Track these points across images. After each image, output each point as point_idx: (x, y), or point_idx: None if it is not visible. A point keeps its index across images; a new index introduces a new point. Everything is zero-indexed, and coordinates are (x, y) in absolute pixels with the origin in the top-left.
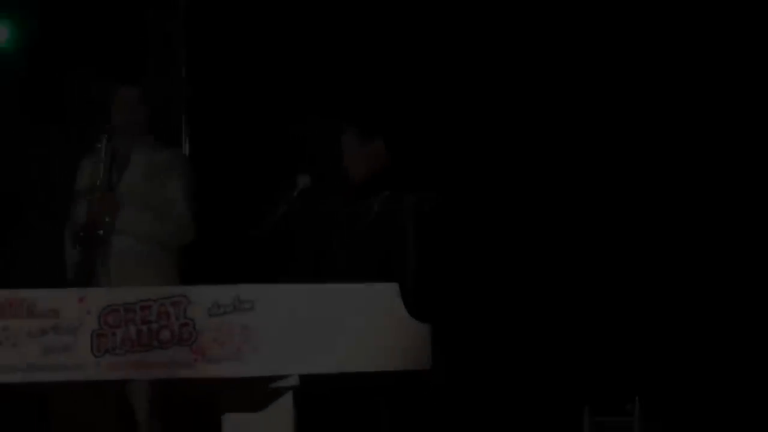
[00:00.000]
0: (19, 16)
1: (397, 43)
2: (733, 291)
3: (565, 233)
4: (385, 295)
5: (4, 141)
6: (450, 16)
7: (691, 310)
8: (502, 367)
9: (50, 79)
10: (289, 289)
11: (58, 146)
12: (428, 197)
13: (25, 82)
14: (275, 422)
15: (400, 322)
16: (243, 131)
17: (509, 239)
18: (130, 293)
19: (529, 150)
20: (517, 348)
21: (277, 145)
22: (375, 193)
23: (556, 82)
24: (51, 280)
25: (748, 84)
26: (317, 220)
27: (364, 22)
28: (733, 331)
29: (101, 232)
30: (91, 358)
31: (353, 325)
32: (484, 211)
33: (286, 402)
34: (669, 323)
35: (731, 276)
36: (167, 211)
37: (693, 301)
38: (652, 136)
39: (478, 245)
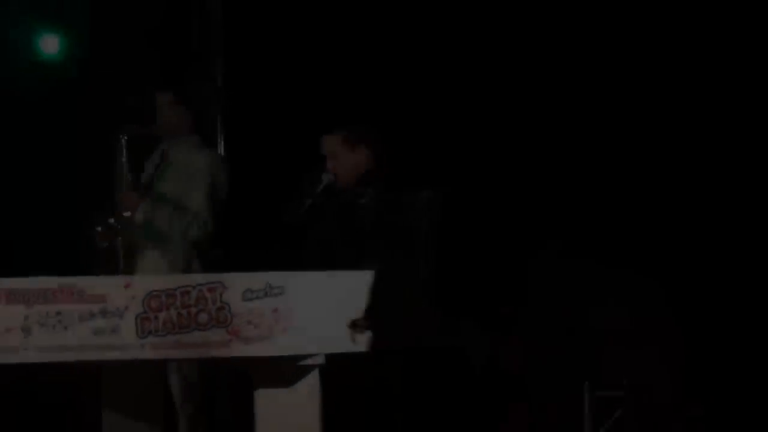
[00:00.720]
0: (68, 28)
1: (409, 58)
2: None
3: (555, 220)
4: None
5: (53, 145)
6: (449, 20)
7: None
8: (508, 345)
9: (98, 86)
10: (315, 275)
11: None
12: (438, 194)
13: (75, 90)
14: (303, 397)
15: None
16: (273, 133)
17: (502, 226)
18: (171, 280)
19: (515, 149)
20: (522, 326)
21: (304, 145)
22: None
23: (552, 82)
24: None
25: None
26: (338, 211)
27: (377, 34)
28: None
29: (119, 226)
30: (135, 339)
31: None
32: (478, 204)
33: (313, 378)
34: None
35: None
36: (188, 207)
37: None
38: (656, 129)
39: (480, 230)
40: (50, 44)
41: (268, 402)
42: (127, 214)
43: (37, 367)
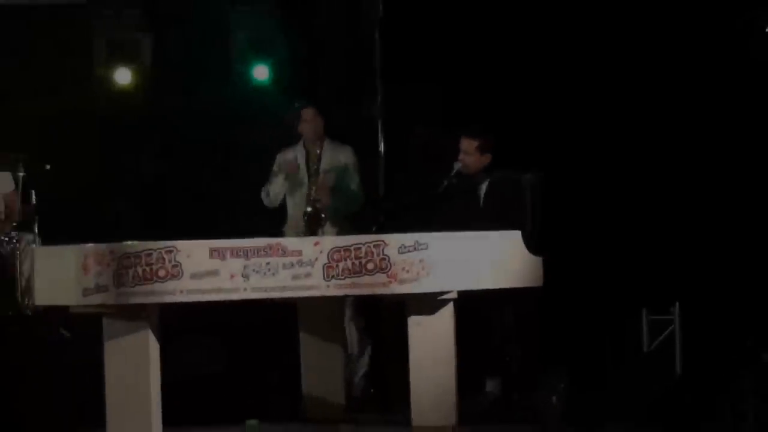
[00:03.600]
0: (275, 58)
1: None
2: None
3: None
4: (513, 239)
5: (258, 148)
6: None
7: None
8: (587, 283)
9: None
10: (449, 235)
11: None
12: (538, 176)
13: (279, 112)
14: (442, 322)
15: (521, 256)
16: (420, 132)
17: (589, 197)
18: (347, 239)
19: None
20: (598, 270)
21: (441, 141)
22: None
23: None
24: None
25: None
26: (464, 190)
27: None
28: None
29: (323, 214)
30: (322, 282)
31: (492, 258)
32: (571, 184)
33: (449, 309)
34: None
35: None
36: (344, 190)
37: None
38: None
39: (569, 203)
40: (261, 72)
41: (417, 325)
42: (321, 199)
43: (252, 302)
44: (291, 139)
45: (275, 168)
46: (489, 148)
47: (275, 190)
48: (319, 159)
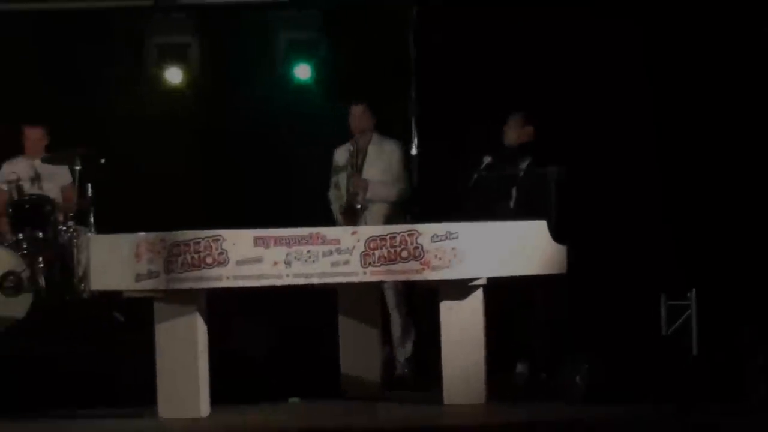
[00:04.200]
0: (317, 57)
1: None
2: None
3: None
4: (540, 228)
5: (303, 145)
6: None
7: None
8: (609, 270)
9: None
10: (479, 225)
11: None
12: (562, 170)
13: (321, 109)
14: (472, 306)
15: (547, 244)
16: (449, 129)
17: (611, 189)
18: (383, 229)
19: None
20: (619, 258)
21: (472, 135)
22: (521, 159)
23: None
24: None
25: None
26: (494, 181)
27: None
28: None
29: (359, 206)
30: (359, 268)
31: (520, 246)
32: (594, 177)
33: (479, 294)
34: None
35: None
36: (392, 181)
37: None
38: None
39: (592, 195)
40: (303, 72)
41: (449, 309)
42: (359, 192)
43: (294, 288)
44: (345, 134)
45: (333, 167)
46: (530, 122)
47: (335, 195)
48: (365, 153)
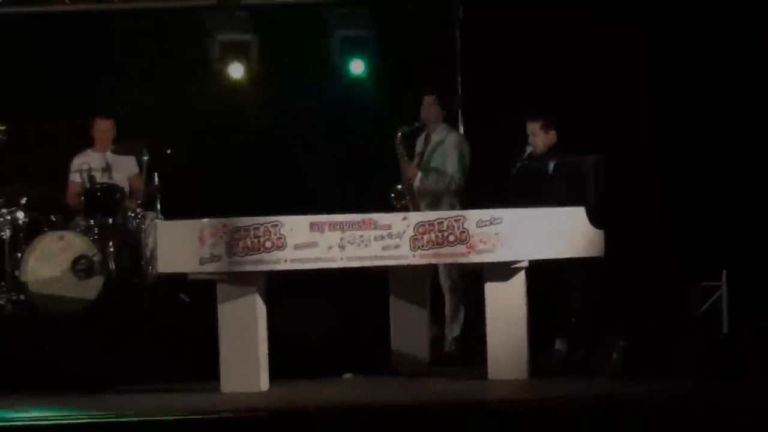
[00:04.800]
0: (369, 53)
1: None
2: None
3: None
4: (578, 214)
5: (353, 134)
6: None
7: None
8: (644, 253)
9: (388, 95)
10: (521, 211)
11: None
12: (599, 158)
13: (372, 101)
14: (515, 287)
15: (585, 229)
16: (495, 119)
17: (646, 176)
18: (431, 215)
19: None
20: (654, 242)
21: (514, 126)
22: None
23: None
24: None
25: None
26: (535, 170)
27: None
28: None
29: (408, 191)
30: (409, 252)
31: (559, 231)
32: (630, 164)
33: (521, 276)
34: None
35: None
36: (446, 171)
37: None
38: None
39: (628, 182)
40: (357, 66)
41: (493, 290)
42: (408, 181)
43: (348, 270)
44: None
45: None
46: (552, 126)
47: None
48: (429, 141)
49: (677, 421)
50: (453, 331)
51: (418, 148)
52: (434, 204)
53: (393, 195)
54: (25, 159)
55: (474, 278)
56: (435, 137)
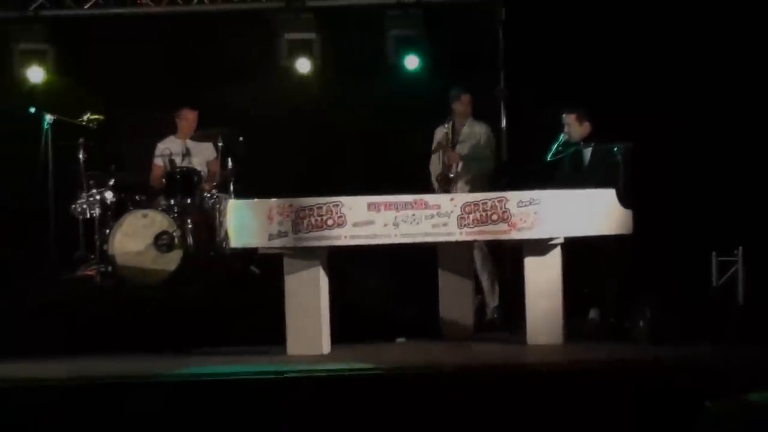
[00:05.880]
0: (422, 49)
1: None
2: None
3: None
4: (610, 195)
5: (403, 124)
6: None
7: None
8: (668, 231)
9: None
10: (557, 192)
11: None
12: (628, 146)
13: (427, 95)
14: (551, 262)
15: (615, 209)
16: (534, 110)
17: (670, 161)
18: (477, 196)
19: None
20: (677, 221)
21: (551, 116)
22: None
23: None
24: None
25: None
26: (570, 156)
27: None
28: None
29: (452, 175)
30: (456, 229)
31: (592, 211)
32: (656, 151)
33: (557, 251)
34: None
35: None
36: (480, 156)
37: None
38: None
39: (654, 167)
40: (412, 62)
41: (532, 264)
42: (452, 164)
43: (401, 246)
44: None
45: (434, 144)
46: (585, 117)
47: (432, 167)
48: (460, 133)
49: (696, 381)
50: (493, 300)
51: (439, 138)
52: (470, 184)
53: (437, 178)
54: (115, 146)
55: (513, 253)
56: (466, 129)
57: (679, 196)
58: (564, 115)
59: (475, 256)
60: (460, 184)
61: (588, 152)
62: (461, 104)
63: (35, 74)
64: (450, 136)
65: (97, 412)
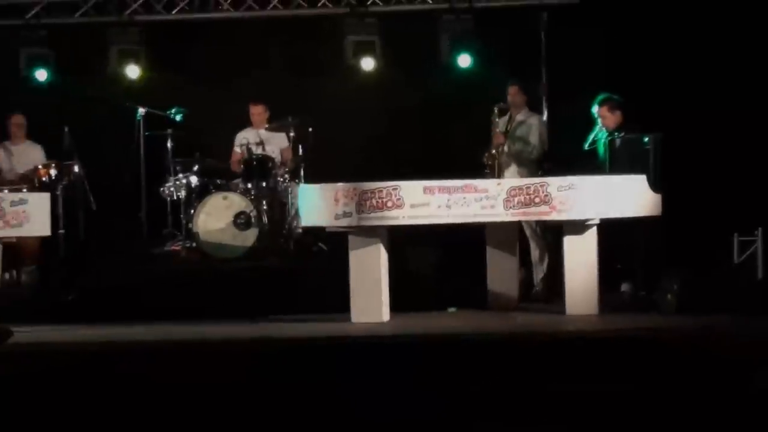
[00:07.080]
0: (473, 49)
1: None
2: None
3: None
4: (640, 181)
5: (453, 116)
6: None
7: None
8: (694, 213)
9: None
10: (591, 178)
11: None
12: (658, 135)
13: (478, 90)
14: (588, 240)
15: (646, 192)
16: (572, 104)
17: (697, 150)
18: (521, 181)
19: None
20: (702, 204)
21: (587, 110)
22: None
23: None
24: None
25: None
26: (606, 146)
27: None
28: None
29: (494, 152)
30: (503, 210)
31: (625, 194)
32: (684, 140)
33: (593, 231)
34: None
35: None
36: (529, 142)
37: None
38: None
39: (682, 155)
40: (464, 60)
41: (570, 242)
42: (498, 146)
43: (453, 225)
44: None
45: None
46: (617, 107)
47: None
48: (514, 121)
49: (722, 349)
50: (539, 273)
51: (501, 127)
52: (518, 167)
53: (485, 156)
54: (199, 135)
55: (556, 231)
56: (519, 117)
57: (705, 182)
58: (597, 108)
59: (527, 232)
60: (511, 168)
61: (620, 141)
62: (509, 95)
63: (131, 72)
64: (506, 122)
65: (183, 371)
